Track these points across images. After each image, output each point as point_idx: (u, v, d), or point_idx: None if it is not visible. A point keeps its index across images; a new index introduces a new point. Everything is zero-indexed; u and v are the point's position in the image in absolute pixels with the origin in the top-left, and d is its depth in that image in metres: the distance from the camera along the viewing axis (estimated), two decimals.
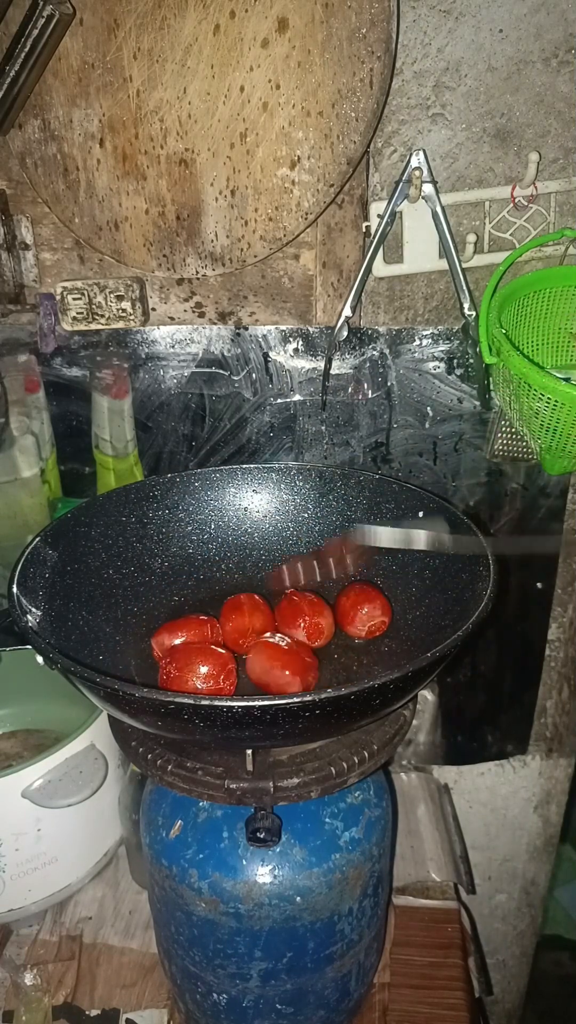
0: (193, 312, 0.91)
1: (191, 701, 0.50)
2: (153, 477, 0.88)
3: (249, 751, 0.61)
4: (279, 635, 0.69)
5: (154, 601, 0.77)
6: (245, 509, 0.84)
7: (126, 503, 0.79)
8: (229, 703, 0.51)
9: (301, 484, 0.83)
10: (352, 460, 0.96)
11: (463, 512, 0.73)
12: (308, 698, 0.50)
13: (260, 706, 0.50)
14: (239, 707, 0.51)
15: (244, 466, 0.84)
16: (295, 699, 0.50)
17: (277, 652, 0.66)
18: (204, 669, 0.63)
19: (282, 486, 0.84)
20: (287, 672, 0.64)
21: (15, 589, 0.63)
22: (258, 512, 0.84)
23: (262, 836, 0.61)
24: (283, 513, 0.84)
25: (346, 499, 0.82)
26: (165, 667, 0.63)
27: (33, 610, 0.63)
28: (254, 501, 0.84)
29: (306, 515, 0.83)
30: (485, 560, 0.66)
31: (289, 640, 0.68)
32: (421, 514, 0.76)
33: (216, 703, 0.51)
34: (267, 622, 0.73)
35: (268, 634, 0.70)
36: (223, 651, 0.65)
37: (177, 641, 0.68)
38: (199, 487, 0.82)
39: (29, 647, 0.58)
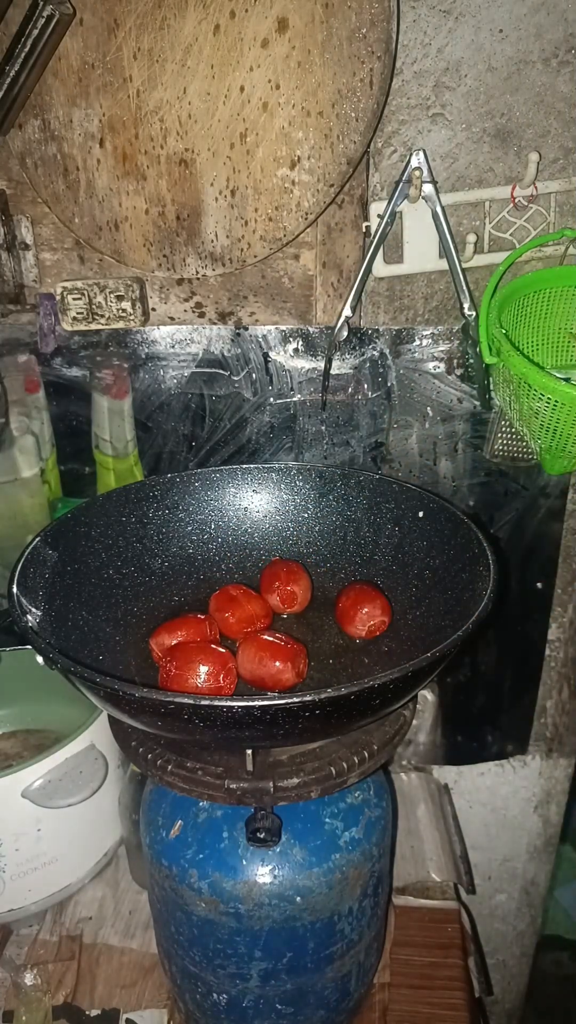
0: (193, 312, 0.91)
1: (191, 701, 0.50)
2: (153, 477, 0.88)
3: (249, 751, 0.61)
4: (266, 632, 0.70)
5: (154, 601, 0.77)
6: (245, 509, 0.84)
7: (126, 503, 0.79)
8: (229, 703, 0.51)
9: (301, 484, 0.84)
10: (352, 460, 0.96)
11: (463, 512, 0.73)
12: (308, 698, 0.50)
13: (260, 706, 0.50)
14: (239, 707, 0.51)
15: (244, 466, 0.84)
16: (295, 699, 0.50)
17: (264, 644, 0.66)
18: (204, 668, 0.63)
19: (282, 486, 0.84)
20: (276, 663, 0.64)
21: (15, 589, 0.63)
22: (258, 512, 0.84)
23: (262, 836, 0.61)
24: (283, 513, 0.84)
25: (346, 499, 0.82)
26: (165, 667, 0.63)
27: (33, 610, 0.63)
28: (254, 501, 0.84)
29: (306, 515, 0.83)
30: (485, 560, 0.66)
31: (274, 633, 0.69)
32: (421, 514, 0.76)
33: (216, 703, 0.51)
34: (265, 605, 0.74)
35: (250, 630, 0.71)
36: (223, 650, 0.65)
37: (175, 641, 0.68)
38: (199, 487, 0.82)
39: (29, 647, 0.58)
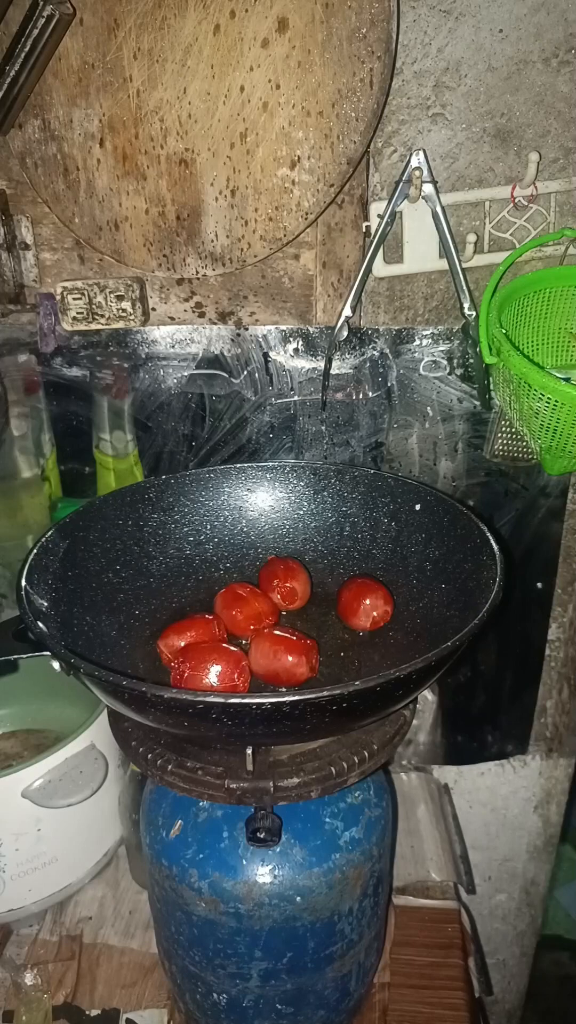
0: (193, 312, 0.91)
1: (225, 699, 0.50)
2: (148, 479, 0.88)
3: (249, 750, 0.61)
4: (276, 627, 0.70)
5: (155, 604, 0.77)
6: (240, 509, 0.83)
7: (122, 506, 0.78)
8: (261, 699, 0.50)
9: (295, 482, 0.83)
10: (352, 460, 0.96)
11: (460, 502, 0.73)
12: (338, 691, 0.50)
13: (291, 701, 0.50)
14: (270, 703, 0.50)
15: (238, 465, 0.83)
16: (324, 693, 0.50)
17: (279, 639, 0.66)
18: (219, 668, 0.63)
19: (276, 484, 0.83)
20: (290, 658, 0.65)
21: (25, 595, 0.62)
22: (253, 511, 0.83)
23: (262, 836, 0.61)
24: (278, 511, 0.84)
25: (341, 495, 0.82)
26: (178, 667, 0.63)
27: (43, 613, 0.62)
28: (249, 500, 0.83)
29: (301, 512, 0.83)
30: (488, 549, 0.66)
31: (286, 628, 0.69)
32: (418, 507, 0.76)
33: (248, 700, 0.51)
34: (271, 603, 0.74)
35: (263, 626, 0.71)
36: (235, 649, 0.65)
37: (185, 642, 0.68)
38: (193, 488, 0.82)
39: (31, 653, 0.58)
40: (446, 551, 0.72)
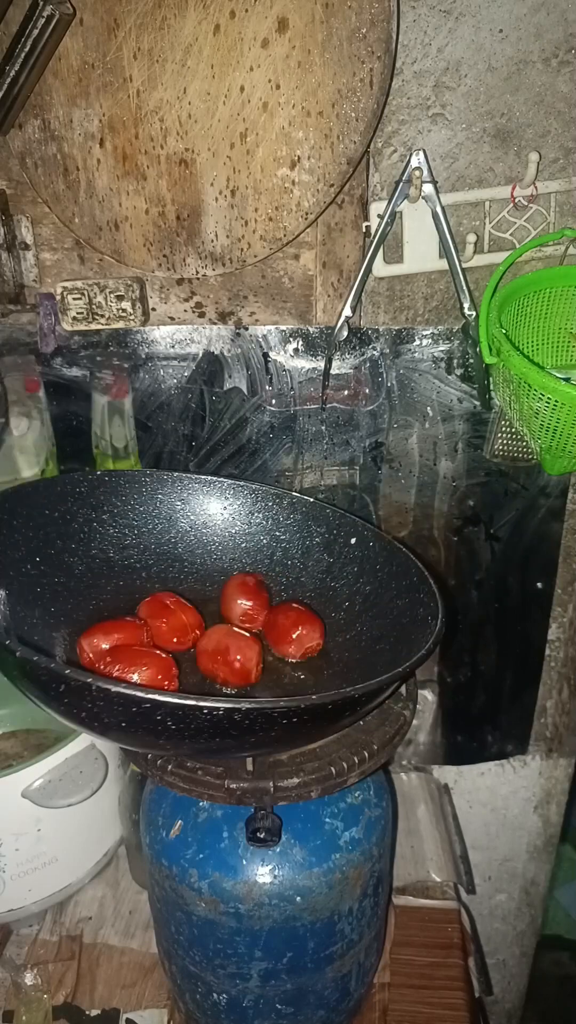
0: (193, 312, 0.91)
1: (211, 704, 0.50)
2: (79, 472, 0.84)
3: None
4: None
5: (72, 603, 0.73)
6: (171, 518, 0.81)
7: (50, 496, 0.75)
8: (217, 705, 0.50)
9: (231, 499, 0.81)
10: (352, 460, 0.96)
11: (398, 540, 0.73)
12: (295, 703, 0.51)
13: (247, 708, 0.50)
14: (224, 708, 0.50)
15: (175, 473, 0.82)
16: (282, 704, 0.51)
17: (232, 633, 0.67)
18: (150, 672, 0.61)
19: (211, 499, 0.82)
20: (241, 657, 0.66)
21: None
22: (184, 523, 0.81)
23: (262, 836, 0.61)
24: (210, 527, 0.81)
25: (276, 519, 0.80)
26: (105, 668, 0.61)
27: None
28: (181, 511, 0.81)
29: (234, 531, 0.81)
30: (427, 587, 0.66)
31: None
32: (354, 540, 0.76)
33: (204, 703, 0.50)
34: (198, 617, 0.73)
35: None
36: (165, 655, 0.64)
37: (111, 644, 0.66)
38: (126, 489, 0.79)
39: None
40: (378, 586, 0.72)
